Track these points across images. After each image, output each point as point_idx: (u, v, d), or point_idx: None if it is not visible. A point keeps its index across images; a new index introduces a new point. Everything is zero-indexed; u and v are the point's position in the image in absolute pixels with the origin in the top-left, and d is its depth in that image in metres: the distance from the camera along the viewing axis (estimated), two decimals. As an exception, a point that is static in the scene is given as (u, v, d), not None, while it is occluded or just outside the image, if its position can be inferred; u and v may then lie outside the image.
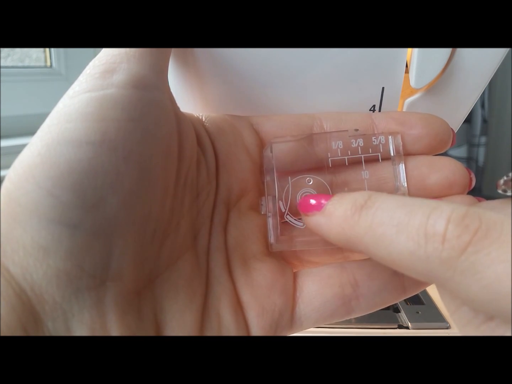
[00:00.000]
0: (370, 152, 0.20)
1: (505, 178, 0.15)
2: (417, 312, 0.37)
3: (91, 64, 0.16)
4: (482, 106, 0.84)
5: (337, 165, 0.20)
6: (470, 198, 0.19)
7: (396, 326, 0.35)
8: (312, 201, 0.16)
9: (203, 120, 0.20)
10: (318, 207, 0.16)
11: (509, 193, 0.15)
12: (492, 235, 0.11)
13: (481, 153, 0.87)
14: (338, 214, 0.15)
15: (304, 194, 0.20)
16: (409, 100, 0.21)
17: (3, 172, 0.53)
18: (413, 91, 0.21)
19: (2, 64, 0.61)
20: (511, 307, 0.10)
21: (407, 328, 0.35)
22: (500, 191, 0.16)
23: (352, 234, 0.14)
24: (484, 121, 0.85)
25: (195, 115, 0.20)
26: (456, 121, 0.22)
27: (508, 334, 0.11)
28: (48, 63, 0.66)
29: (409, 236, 0.12)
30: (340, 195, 0.16)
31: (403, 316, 0.36)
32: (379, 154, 0.20)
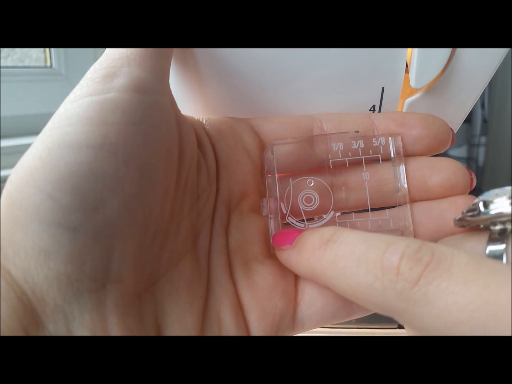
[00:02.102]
0: (371, 153, 0.20)
1: (460, 215, 0.16)
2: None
3: (92, 68, 0.16)
4: (482, 106, 0.84)
5: (337, 166, 0.20)
6: (472, 198, 0.19)
7: (396, 326, 0.35)
8: (285, 236, 0.17)
9: (204, 122, 0.20)
10: (290, 242, 0.17)
11: (468, 227, 0.16)
12: (443, 267, 0.12)
13: (481, 153, 0.87)
14: (306, 248, 0.16)
15: (306, 196, 0.20)
16: (409, 100, 0.21)
17: (3, 172, 0.53)
18: (413, 91, 0.21)
19: (2, 64, 0.61)
20: (460, 335, 0.11)
21: (407, 328, 0.35)
22: (458, 227, 0.16)
23: (317, 268, 0.15)
24: (484, 121, 0.85)
25: (196, 118, 0.20)
26: (456, 121, 0.22)
27: None
28: (48, 63, 0.66)
29: (368, 269, 0.13)
30: (310, 231, 0.17)
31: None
32: (380, 155, 0.20)
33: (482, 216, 0.14)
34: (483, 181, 0.87)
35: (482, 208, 0.14)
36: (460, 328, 0.11)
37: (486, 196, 0.14)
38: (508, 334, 0.10)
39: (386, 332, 0.34)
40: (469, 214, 0.15)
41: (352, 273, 0.14)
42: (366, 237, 0.14)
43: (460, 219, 0.16)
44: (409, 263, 0.12)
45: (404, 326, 0.14)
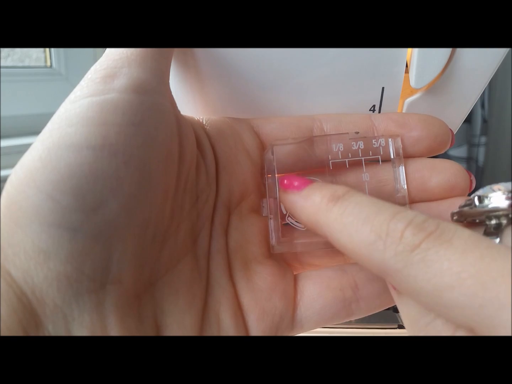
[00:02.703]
0: (371, 154, 0.20)
1: (456, 210, 0.16)
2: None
3: (92, 68, 0.16)
4: (482, 106, 0.84)
5: (337, 167, 0.20)
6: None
7: (396, 326, 0.35)
8: (295, 181, 0.17)
9: (204, 123, 0.20)
10: (298, 188, 0.17)
11: (464, 222, 0.16)
12: (444, 237, 0.12)
13: (481, 153, 0.87)
14: (314, 199, 0.16)
15: None
16: (409, 100, 0.21)
17: (3, 172, 0.53)
18: (413, 91, 0.21)
19: (2, 64, 0.61)
20: (448, 300, 0.11)
21: (407, 328, 0.35)
22: (454, 221, 0.16)
23: (322, 219, 0.15)
24: (484, 121, 0.85)
25: (196, 118, 0.20)
26: (456, 121, 0.22)
27: (449, 334, 0.12)
28: (48, 63, 0.66)
29: (373, 228, 0.14)
30: (322, 184, 0.17)
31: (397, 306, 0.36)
32: (379, 156, 0.20)
33: (478, 210, 0.14)
34: (483, 181, 0.87)
35: (477, 202, 0.14)
36: (449, 293, 0.11)
37: (482, 191, 0.14)
38: (494, 305, 0.11)
39: (386, 332, 0.34)
40: (464, 208, 0.15)
41: (357, 230, 0.14)
42: (378, 202, 0.14)
43: (457, 213, 0.16)
44: (413, 230, 0.13)
45: (396, 287, 0.14)
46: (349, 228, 0.14)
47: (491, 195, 0.14)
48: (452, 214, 0.16)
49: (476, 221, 0.15)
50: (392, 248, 0.13)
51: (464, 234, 0.12)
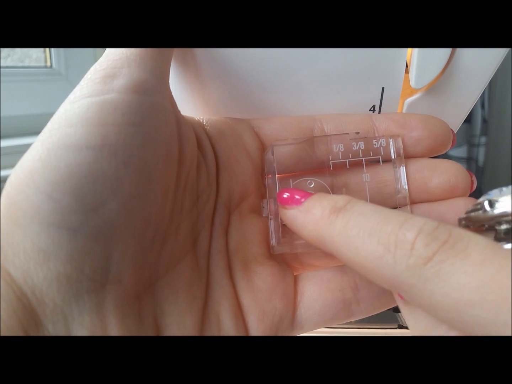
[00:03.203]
0: (371, 155, 0.20)
1: (464, 215, 0.15)
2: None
3: (92, 68, 0.16)
4: (482, 106, 0.84)
5: (338, 167, 0.20)
6: (472, 200, 0.19)
7: (396, 326, 0.35)
8: (293, 195, 0.17)
9: (204, 123, 0.20)
10: (297, 202, 0.16)
11: (472, 228, 0.16)
12: (459, 247, 0.12)
13: (481, 153, 0.87)
14: (315, 212, 0.15)
15: None
16: (409, 100, 0.21)
17: (3, 172, 0.53)
18: (413, 91, 0.21)
19: (2, 64, 0.61)
20: (469, 317, 0.11)
21: (407, 328, 0.35)
22: (461, 227, 0.16)
23: (325, 233, 0.15)
24: (484, 121, 0.85)
25: (196, 119, 0.20)
26: (456, 121, 0.22)
27: None
28: (48, 63, 0.66)
29: (380, 240, 0.13)
30: (321, 195, 0.16)
31: (403, 316, 0.36)
32: (380, 157, 0.20)
33: (488, 215, 0.14)
34: (483, 181, 0.87)
35: (487, 207, 0.14)
36: (471, 310, 0.11)
37: (491, 195, 0.14)
38: None
39: (386, 332, 0.34)
40: (473, 213, 0.15)
41: (363, 243, 0.13)
42: (382, 210, 0.14)
43: (465, 218, 0.15)
44: (425, 240, 0.12)
45: (409, 301, 0.13)
46: (354, 241, 0.14)
47: (501, 199, 0.13)
48: (460, 220, 0.16)
49: (485, 226, 0.15)
50: (403, 261, 0.12)
51: (480, 243, 0.12)
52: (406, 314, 0.14)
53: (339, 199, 0.15)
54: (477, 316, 0.11)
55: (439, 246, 0.12)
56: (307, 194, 0.16)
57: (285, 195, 0.17)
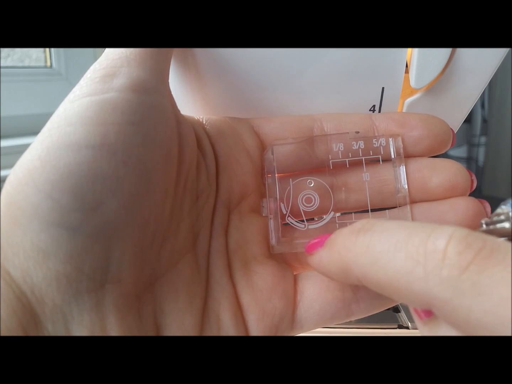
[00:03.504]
0: (371, 154, 0.20)
1: (484, 227, 0.15)
2: (417, 312, 0.36)
3: (91, 68, 0.16)
4: (482, 106, 0.84)
5: (338, 167, 0.20)
6: (472, 199, 0.19)
7: (396, 326, 0.35)
8: (316, 241, 0.16)
9: (204, 122, 0.20)
10: (320, 244, 0.16)
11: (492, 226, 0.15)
12: (497, 256, 0.11)
13: (481, 153, 0.87)
14: (337, 241, 0.15)
15: (305, 196, 0.20)
16: (409, 100, 0.21)
17: (3, 172, 0.53)
18: (413, 91, 0.21)
19: (2, 64, 0.61)
20: None
21: (407, 328, 0.35)
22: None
23: (349, 258, 0.14)
24: (484, 121, 0.85)
25: (196, 118, 0.20)
26: (456, 121, 0.22)
27: None
28: (48, 63, 0.66)
29: (408, 254, 0.12)
30: (341, 229, 0.15)
31: (403, 316, 0.36)
32: (380, 156, 0.20)
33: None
34: (483, 181, 0.87)
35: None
36: None
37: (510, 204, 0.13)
38: None
39: (386, 332, 0.34)
40: (492, 226, 0.14)
41: (389, 260, 0.12)
42: (406, 223, 0.13)
43: (486, 230, 0.14)
44: (458, 247, 0.11)
45: (445, 320, 0.12)
46: (379, 259, 0.12)
47: None
48: (481, 232, 0.15)
49: (509, 238, 0.14)
50: (435, 273, 0.11)
51: None
52: (425, 333, 0.13)
53: (357, 223, 0.14)
54: None
55: (474, 254, 0.11)
56: (328, 235, 0.16)
57: (311, 242, 0.16)
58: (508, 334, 0.10)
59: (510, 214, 0.13)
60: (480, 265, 0.11)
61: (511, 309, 0.10)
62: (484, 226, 0.15)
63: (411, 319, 0.35)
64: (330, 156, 0.20)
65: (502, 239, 0.14)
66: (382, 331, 0.34)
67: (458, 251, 0.11)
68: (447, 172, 0.19)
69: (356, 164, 0.20)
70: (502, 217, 0.14)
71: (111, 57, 0.16)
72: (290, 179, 0.20)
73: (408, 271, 0.12)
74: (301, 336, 0.17)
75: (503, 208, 0.14)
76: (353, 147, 0.20)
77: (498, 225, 0.14)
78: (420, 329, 0.13)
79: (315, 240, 0.16)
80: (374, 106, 0.21)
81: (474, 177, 0.20)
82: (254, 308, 0.17)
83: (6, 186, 0.14)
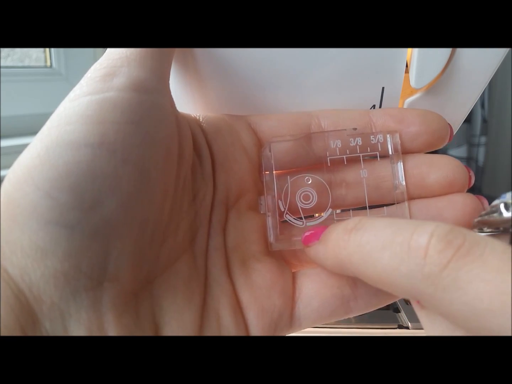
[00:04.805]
0: (369, 150, 0.20)
1: (478, 218, 0.15)
2: (417, 312, 0.36)
3: (92, 67, 0.16)
4: (482, 106, 0.84)
5: (335, 163, 0.20)
6: (470, 196, 0.19)
7: (396, 326, 0.35)
8: (312, 233, 0.17)
9: (200, 120, 0.20)
10: (317, 237, 0.17)
11: (486, 231, 0.15)
12: (475, 252, 0.11)
13: (481, 153, 0.87)
14: (332, 238, 0.16)
15: (303, 193, 0.20)
16: (409, 100, 0.21)
17: (3, 172, 0.53)
18: (413, 91, 0.21)
19: (2, 64, 0.61)
20: (490, 325, 0.11)
21: (407, 328, 0.35)
22: (476, 231, 0.16)
23: (343, 256, 0.15)
24: (484, 121, 0.85)
25: (192, 116, 0.20)
26: (456, 121, 0.22)
27: None
28: (48, 63, 0.66)
29: (393, 251, 0.13)
30: (336, 224, 0.16)
31: (403, 316, 0.36)
32: (378, 152, 0.20)
33: (504, 218, 0.14)
34: (483, 181, 0.87)
35: (503, 210, 0.14)
36: (491, 318, 0.10)
37: (505, 197, 0.14)
38: None
39: (386, 332, 0.34)
40: (488, 216, 0.14)
41: (377, 258, 0.13)
42: (392, 222, 0.14)
43: (479, 221, 0.15)
44: (438, 245, 0.12)
45: (432, 311, 0.13)
46: (369, 258, 0.14)
47: None
48: (474, 223, 0.16)
49: (500, 229, 0.15)
50: (418, 270, 0.12)
51: (497, 249, 0.11)
52: (422, 318, 0.14)
53: (350, 221, 0.15)
54: (498, 325, 0.10)
55: (453, 252, 0.11)
56: (324, 227, 0.17)
57: (307, 234, 0.18)
58: (482, 325, 0.11)
59: (500, 206, 0.14)
60: (459, 262, 0.11)
61: (487, 303, 0.10)
62: (478, 217, 0.15)
63: (411, 319, 0.35)
64: (328, 153, 0.20)
65: (484, 234, 0.15)
66: (382, 331, 0.34)
67: (439, 249, 0.12)
68: (445, 169, 0.19)
69: (353, 161, 0.20)
70: (494, 209, 0.14)
71: (111, 57, 0.16)
72: (288, 176, 0.20)
73: (394, 268, 0.13)
74: (301, 336, 0.17)
75: (496, 201, 0.14)
76: (350, 144, 0.20)
77: (488, 216, 0.14)
78: (418, 313, 0.14)
79: (311, 232, 0.17)
80: (374, 106, 0.21)
81: (472, 173, 0.20)
82: (253, 305, 0.17)
83: (5, 184, 0.14)
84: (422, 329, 0.37)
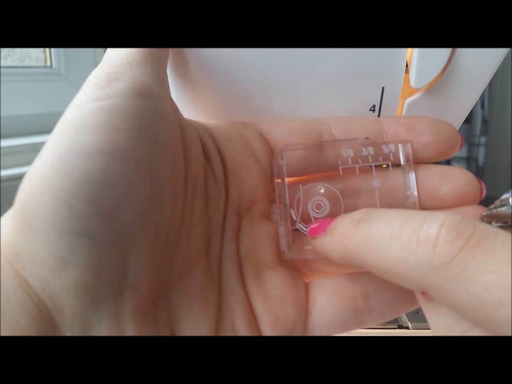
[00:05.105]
0: (381, 160, 0.20)
1: (487, 212, 0.15)
2: (417, 312, 0.37)
3: (94, 73, 0.16)
4: (482, 106, 0.84)
5: (348, 172, 0.20)
6: (481, 208, 0.19)
7: (396, 326, 0.35)
8: (319, 224, 0.17)
9: (210, 127, 0.19)
10: (323, 228, 0.17)
11: (495, 225, 0.15)
12: (485, 243, 0.11)
13: (481, 153, 0.87)
14: (339, 230, 0.15)
15: (316, 202, 0.20)
16: (409, 100, 0.21)
17: (3, 172, 0.53)
18: (413, 91, 0.21)
19: (2, 64, 0.61)
20: (498, 316, 0.10)
21: (407, 328, 0.35)
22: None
23: (350, 247, 0.15)
24: (484, 121, 0.85)
25: (201, 123, 0.19)
26: (456, 121, 0.22)
27: None
28: (48, 63, 0.66)
29: (402, 242, 0.13)
30: (343, 215, 0.16)
31: (403, 316, 0.36)
32: (389, 162, 0.20)
33: None
34: (483, 181, 0.87)
35: None
36: (500, 309, 0.10)
37: None
38: None
39: (386, 332, 0.34)
40: (497, 209, 0.15)
41: (386, 248, 0.13)
42: (401, 212, 0.14)
43: (488, 215, 0.15)
44: (449, 235, 0.12)
45: (439, 302, 0.13)
46: (377, 248, 0.13)
47: None
48: (483, 216, 0.16)
49: (509, 223, 0.15)
50: (427, 261, 0.12)
51: (508, 240, 0.11)
52: (427, 312, 0.14)
53: (357, 212, 0.15)
54: (506, 316, 0.10)
55: (463, 242, 0.11)
56: (330, 219, 0.17)
57: (313, 225, 0.17)
58: (490, 316, 0.11)
59: (510, 199, 0.14)
60: (468, 252, 0.11)
61: (495, 295, 0.10)
62: (487, 211, 0.15)
63: (411, 319, 0.35)
64: (340, 161, 0.20)
65: (497, 225, 0.15)
66: (382, 331, 0.34)
67: (449, 239, 0.12)
68: (457, 181, 0.19)
69: (365, 170, 0.20)
70: (503, 202, 0.14)
71: (113, 62, 0.16)
72: (300, 185, 0.20)
73: (402, 259, 0.12)
74: (301, 336, 0.17)
75: (505, 195, 0.14)
76: (362, 153, 0.20)
77: (497, 210, 0.15)
78: (423, 307, 0.14)
79: (317, 224, 0.17)
80: (374, 106, 0.21)
81: (483, 185, 0.20)
82: (267, 315, 0.17)
83: (20, 195, 0.14)
84: (422, 329, 0.37)
